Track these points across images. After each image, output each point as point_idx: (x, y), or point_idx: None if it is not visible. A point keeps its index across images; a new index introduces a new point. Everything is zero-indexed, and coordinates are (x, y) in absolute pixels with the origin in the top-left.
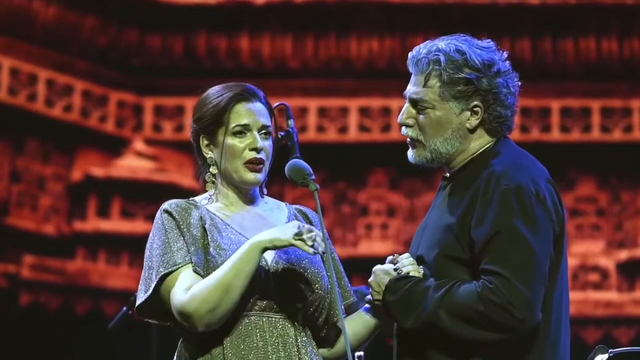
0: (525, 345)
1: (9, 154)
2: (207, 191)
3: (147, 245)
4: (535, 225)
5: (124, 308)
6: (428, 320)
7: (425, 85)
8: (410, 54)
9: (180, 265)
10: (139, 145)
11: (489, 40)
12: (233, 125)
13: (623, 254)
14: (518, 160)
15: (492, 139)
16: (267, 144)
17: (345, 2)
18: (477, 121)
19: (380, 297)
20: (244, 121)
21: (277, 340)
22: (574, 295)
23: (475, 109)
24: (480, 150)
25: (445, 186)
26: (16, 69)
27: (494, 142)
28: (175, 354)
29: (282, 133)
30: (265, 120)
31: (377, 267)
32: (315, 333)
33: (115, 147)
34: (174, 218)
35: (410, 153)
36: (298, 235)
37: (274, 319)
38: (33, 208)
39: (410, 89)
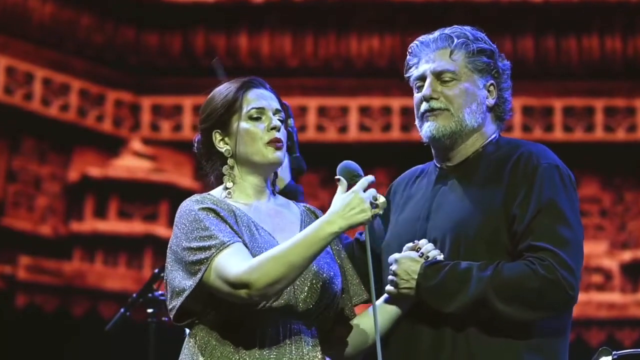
0: (561, 326)
1: (5, 154)
2: (217, 186)
3: (181, 239)
4: (575, 205)
5: (122, 309)
6: (474, 302)
7: (450, 58)
8: (422, 39)
9: (229, 243)
10: (136, 144)
11: None
12: (248, 109)
13: (627, 255)
14: (541, 145)
15: (497, 129)
16: (282, 129)
17: (344, 1)
18: (493, 101)
19: (410, 285)
20: (259, 104)
21: (291, 342)
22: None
23: (490, 88)
24: (490, 139)
25: (448, 174)
26: (12, 67)
27: (499, 137)
28: (183, 354)
29: None
30: (277, 105)
31: (399, 255)
32: (323, 332)
33: (112, 146)
34: (209, 209)
35: (430, 125)
36: (379, 209)
37: (290, 320)
38: (29, 208)
39: (432, 65)
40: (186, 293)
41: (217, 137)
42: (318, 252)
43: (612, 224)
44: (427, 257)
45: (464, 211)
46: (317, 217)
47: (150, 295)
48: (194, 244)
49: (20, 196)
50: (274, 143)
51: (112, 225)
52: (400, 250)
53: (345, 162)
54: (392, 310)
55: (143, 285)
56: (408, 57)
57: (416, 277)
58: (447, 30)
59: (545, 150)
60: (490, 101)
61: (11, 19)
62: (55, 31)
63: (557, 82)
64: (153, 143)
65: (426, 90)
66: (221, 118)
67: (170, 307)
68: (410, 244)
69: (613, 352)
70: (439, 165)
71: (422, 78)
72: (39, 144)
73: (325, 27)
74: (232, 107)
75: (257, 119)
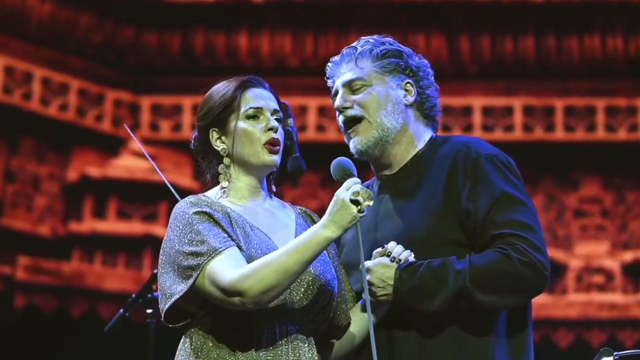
0: (528, 317)
1: (3, 154)
2: (213, 187)
3: (174, 242)
4: (523, 188)
5: (121, 310)
6: (455, 296)
7: (357, 66)
8: (332, 59)
9: (221, 250)
10: (135, 144)
11: None
12: (246, 108)
13: (628, 255)
14: (473, 137)
15: (429, 129)
16: (280, 130)
17: (345, 0)
18: (413, 98)
19: (387, 292)
20: (257, 104)
21: (287, 343)
22: (579, 297)
23: (407, 86)
24: (426, 143)
25: (389, 182)
26: (11, 67)
27: (434, 136)
28: (178, 356)
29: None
30: (276, 105)
31: (370, 263)
32: (317, 334)
33: (111, 146)
34: (203, 212)
35: (354, 141)
36: (359, 205)
37: (286, 322)
38: (28, 208)
39: (342, 78)
40: (175, 297)
41: (214, 135)
42: (313, 258)
43: (613, 224)
44: (399, 260)
45: (413, 215)
46: (312, 220)
47: (149, 295)
48: (187, 249)
49: (18, 196)
50: (271, 146)
51: (111, 225)
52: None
53: (338, 160)
54: (371, 316)
55: (142, 286)
56: (328, 82)
57: (392, 282)
58: (353, 44)
59: (479, 142)
60: (409, 99)
61: (10, 18)
62: (54, 30)
63: (558, 82)
64: (152, 143)
65: (338, 101)
66: (219, 117)
67: (160, 308)
68: (380, 249)
69: (614, 353)
70: (379, 176)
71: (337, 94)
72: (38, 143)
73: (325, 27)
74: (230, 106)
75: (255, 118)
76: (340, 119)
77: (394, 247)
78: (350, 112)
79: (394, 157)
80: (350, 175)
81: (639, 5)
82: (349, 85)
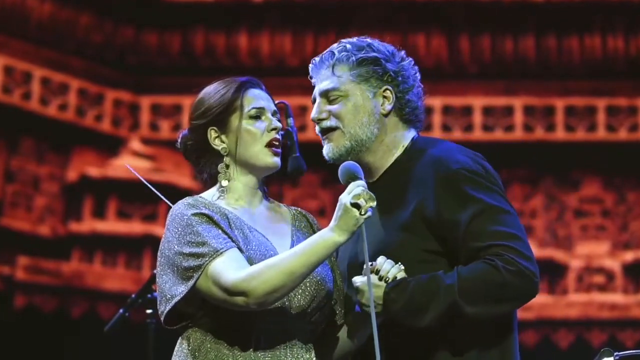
0: (512, 318)
1: (3, 154)
2: (211, 186)
3: (173, 243)
4: (501, 195)
5: (121, 310)
6: (446, 311)
7: (333, 74)
8: (313, 60)
9: (223, 250)
10: (135, 144)
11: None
12: (249, 108)
13: (629, 256)
14: (448, 145)
15: (410, 132)
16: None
17: (345, 0)
18: (391, 106)
19: (376, 311)
20: (260, 104)
21: (285, 344)
22: (579, 297)
23: (386, 93)
24: (405, 148)
25: (373, 191)
26: (11, 67)
27: (414, 139)
28: (176, 357)
29: (282, 132)
30: (274, 106)
31: (359, 282)
32: (315, 334)
33: (111, 146)
34: (202, 214)
35: (327, 148)
36: (361, 208)
37: (284, 322)
38: (28, 208)
39: (319, 86)
40: (176, 299)
41: (212, 134)
42: (319, 262)
43: (614, 224)
44: (388, 278)
45: (389, 228)
46: (307, 220)
47: (149, 295)
48: (187, 250)
49: (18, 196)
50: (273, 147)
51: (111, 225)
52: (351, 274)
53: (344, 164)
54: (360, 329)
55: (142, 286)
56: (311, 81)
57: (381, 302)
58: (332, 47)
59: (452, 153)
60: (387, 107)
61: (10, 18)
62: (54, 30)
63: (559, 82)
64: (152, 143)
65: (313, 113)
66: (218, 116)
67: (160, 311)
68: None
69: (615, 353)
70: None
71: (314, 101)
72: (38, 143)
73: (325, 27)
74: (231, 105)
75: (257, 118)
76: (317, 129)
77: (382, 264)
78: (325, 124)
79: (372, 164)
80: (356, 179)
81: (639, 5)
82: (326, 95)
